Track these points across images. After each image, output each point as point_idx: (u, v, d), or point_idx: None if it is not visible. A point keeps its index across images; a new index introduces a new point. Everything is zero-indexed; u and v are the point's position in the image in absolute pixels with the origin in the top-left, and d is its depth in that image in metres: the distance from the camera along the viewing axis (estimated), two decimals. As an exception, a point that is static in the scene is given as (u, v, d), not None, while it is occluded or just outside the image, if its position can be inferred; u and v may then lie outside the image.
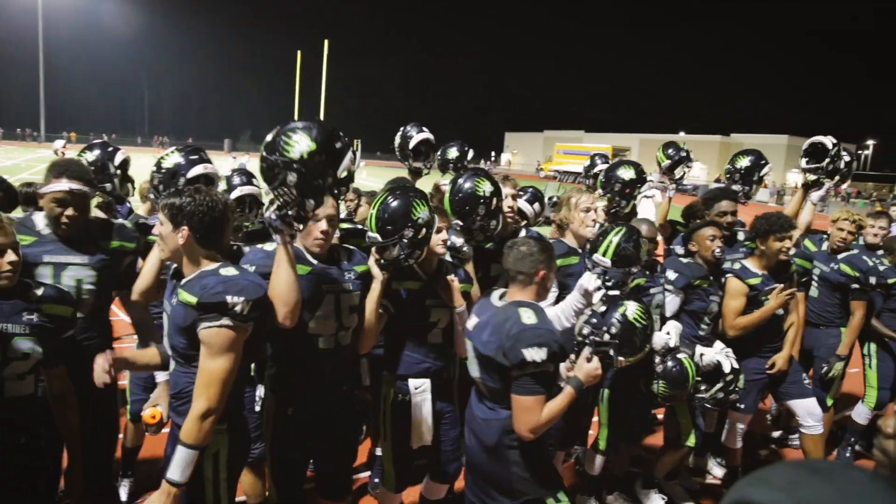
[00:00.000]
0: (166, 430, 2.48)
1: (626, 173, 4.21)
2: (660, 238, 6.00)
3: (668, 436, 3.96)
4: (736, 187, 4.76)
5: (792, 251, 4.05)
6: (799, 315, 4.28)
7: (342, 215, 3.67)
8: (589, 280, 2.88)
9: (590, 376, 2.53)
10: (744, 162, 4.88)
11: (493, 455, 2.54)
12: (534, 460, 2.51)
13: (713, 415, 4.40)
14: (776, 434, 5.20)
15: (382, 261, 2.72)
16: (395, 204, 2.69)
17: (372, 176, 30.76)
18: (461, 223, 3.28)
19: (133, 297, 2.91)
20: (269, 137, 2.23)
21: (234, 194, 3.44)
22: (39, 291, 2.36)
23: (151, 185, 3.08)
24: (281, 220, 2.28)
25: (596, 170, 5.33)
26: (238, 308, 2.09)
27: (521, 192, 4.31)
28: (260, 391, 3.05)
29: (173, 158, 3.00)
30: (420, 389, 2.97)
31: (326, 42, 44.58)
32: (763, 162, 4.88)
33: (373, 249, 2.74)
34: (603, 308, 2.83)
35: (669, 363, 3.32)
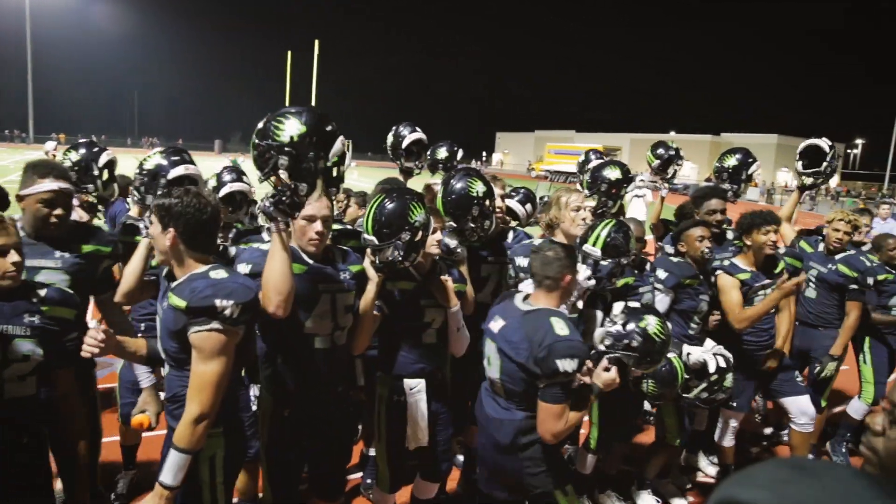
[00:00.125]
0: (161, 431, 2.47)
1: (612, 173, 4.22)
2: (651, 237, 6.03)
3: (658, 435, 3.98)
4: (725, 186, 4.78)
5: (781, 249, 4.09)
6: (791, 312, 4.30)
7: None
8: (580, 271, 2.90)
9: (608, 385, 2.66)
10: (731, 161, 4.90)
11: (506, 453, 2.66)
12: (545, 456, 2.63)
13: (704, 413, 4.42)
14: (767, 431, 5.23)
15: (378, 263, 2.70)
16: (391, 206, 2.67)
17: (363, 176, 30.71)
18: (455, 224, 3.28)
19: (116, 299, 2.89)
20: (260, 125, 2.25)
21: (224, 191, 3.43)
22: (42, 293, 2.34)
23: (133, 186, 3.06)
24: (275, 207, 2.26)
25: (590, 166, 5.33)
26: (227, 311, 2.08)
27: (513, 193, 4.32)
28: (254, 391, 3.04)
29: (155, 160, 2.98)
30: (415, 390, 2.96)
31: (317, 42, 44.49)
32: (751, 160, 4.90)
33: (368, 251, 2.73)
34: (624, 320, 2.88)
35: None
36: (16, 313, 2.24)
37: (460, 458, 4.19)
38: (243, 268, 2.54)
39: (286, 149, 2.17)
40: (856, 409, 4.81)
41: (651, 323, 2.84)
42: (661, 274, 3.73)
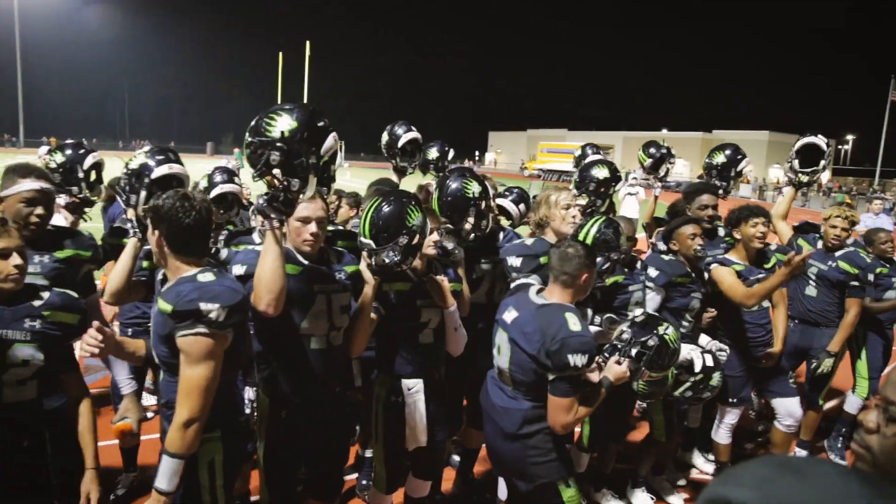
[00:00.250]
0: (154, 435, 2.46)
1: (601, 172, 4.23)
2: (642, 236, 6.04)
3: (649, 432, 4.00)
4: (714, 183, 4.79)
5: (772, 245, 4.10)
6: (786, 309, 4.31)
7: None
8: None
9: (619, 378, 2.75)
10: (720, 158, 4.91)
11: (512, 441, 2.73)
12: (550, 447, 2.70)
13: (699, 410, 4.44)
14: (761, 428, 5.25)
15: (375, 266, 2.70)
16: (388, 210, 2.66)
17: (356, 177, 30.67)
18: (451, 226, 3.28)
19: (105, 299, 2.88)
20: (252, 122, 2.25)
21: (215, 192, 3.42)
22: (44, 297, 2.31)
23: (119, 186, 3.03)
24: (269, 205, 2.27)
25: (588, 160, 5.33)
26: (213, 315, 2.07)
27: (506, 193, 4.32)
28: (248, 394, 3.04)
29: (139, 159, 2.94)
30: (413, 390, 2.96)
31: (308, 43, 44.41)
32: (740, 157, 4.91)
33: (364, 254, 2.72)
34: (643, 321, 2.96)
35: None
36: (16, 318, 2.22)
37: (456, 458, 4.20)
38: (238, 269, 2.54)
39: (277, 144, 2.18)
40: (853, 404, 4.84)
41: (669, 329, 2.93)
42: (652, 272, 3.74)
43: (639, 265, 3.89)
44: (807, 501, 0.65)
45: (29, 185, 2.76)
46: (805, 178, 4.75)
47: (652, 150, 5.28)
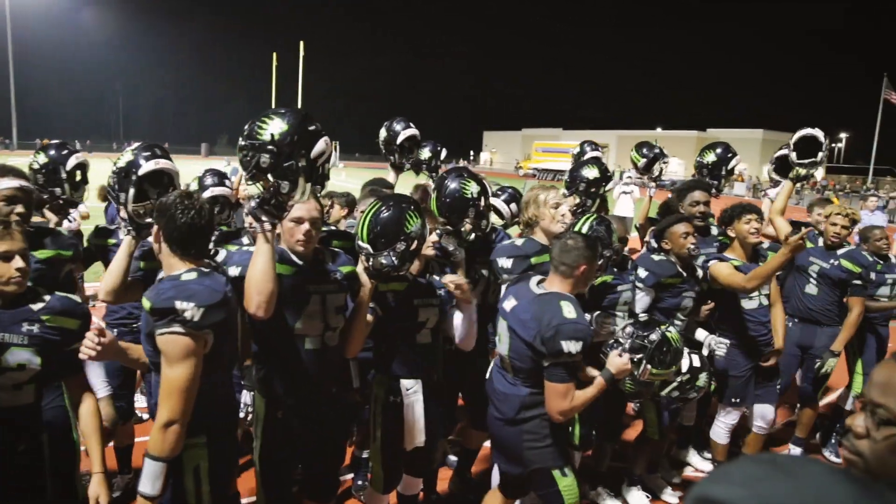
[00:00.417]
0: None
1: (591, 172, 4.23)
2: (635, 235, 6.03)
3: (642, 430, 4.01)
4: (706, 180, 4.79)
5: (765, 244, 4.10)
6: (782, 307, 4.31)
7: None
8: None
9: (620, 370, 2.78)
10: (711, 156, 4.92)
11: (510, 426, 2.81)
12: (546, 433, 2.77)
13: (693, 408, 4.45)
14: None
15: (371, 269, 2.69)
16: (387, 215, 2.66)
17: (351, 177, 30.64)
18: (451, 227, 3.27)
19: (101, 297, 2.86)
20: (246, 127, 2.28)
21: (206, 195, 3.40)
22: (43, 302, 2.28)
23: (108, 186, 3.01)
24: (259, 208, 2.28)
25: (586, 157, 5.32)
26: (188, 314, 2.06)
27: (499, 192, 4.31)
28: (245, 398, 3.03)
29: (126, 158, 2.91)
30: (412, 390, 2.96)
31: (302, 43, 44.33)
32: (731, 155, 4.91)
33: (361, 256, 2.72)
34: (645, 319, 3.02)
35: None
36: (14, 321, 2.20)
37: (452, 458, 4.19)
38: (234, 270, 2.53)
39: (268, 147, 2.20)
40: (850, 400, 4.86)
41: (671, 329, 2.98)
42: (642, 273, 3.73)
43: (630, 265, 3.89)
44: (795, 501, 0.65)
45: (7, 183, 2.76)
46: (803, 172, 4.72)
47: (644, 151, 5.28)
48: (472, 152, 74.52)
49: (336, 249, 2.86)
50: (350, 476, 4.00)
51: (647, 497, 3.98)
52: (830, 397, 5.56)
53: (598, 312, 3.17)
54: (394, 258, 2.62)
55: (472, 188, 3.29)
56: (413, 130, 4.84)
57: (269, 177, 2.23)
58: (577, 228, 3.27)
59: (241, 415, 3.01)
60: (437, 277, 3.15)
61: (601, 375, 2.75)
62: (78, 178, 3.60)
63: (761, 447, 4.34)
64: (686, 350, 3.37)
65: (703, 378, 3.32)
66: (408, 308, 2.94)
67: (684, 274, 3.78)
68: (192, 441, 2.19)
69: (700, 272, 3.94)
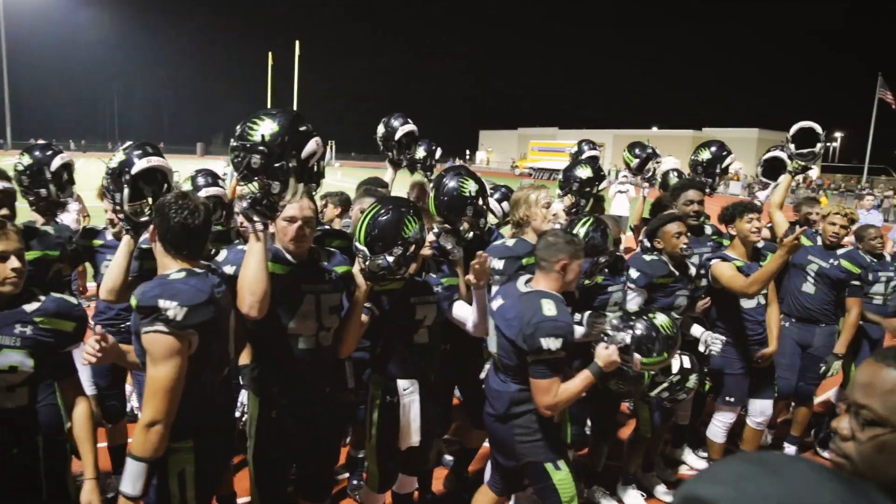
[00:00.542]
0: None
1: (584, 172, 4.23)
2: (630, 234, 6.04)
3: (635, 429, 4.03)
4: (700, 180, 4.80)
5: (760, 243, 4.11)
6: (777, 307, 4.32)
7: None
8: None
9: (607, 363, 2.74)
10: (706, 154, 4.93)
11: (502, 422, 2.85)
12: (536, 428, 2.80)
13: (688, 407, 4.46)
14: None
15: (367, 272, 2.69)
16: (385, 219, 2.65)
17: (347, 176, 30.60)
18: (449, 225, 3.27)
19: (103, 296, 2.86)
20: (238, 128, 2.29)
21: (199, 195, 3.39)
22: (38, 303, 2.25)
23: (104, 187, 3.01)
24: (251, 208, 2.29)
25: (584, 156, 5.32)
26: (171, 313, 2.05)
27: (492, 191, 4.31)
28: (243, 397, 3.03)
29: (118, 157, 2.89)
30: (409, 391, 2.96)
31: (297, 43, 44.22)
32: (725, 153, 4.91)
33: (358, 258, 2.71)
34: (634, 311, 2.99)
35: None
36: (6, 322, 2.17)
37: (448, 457, 4.20)
38: (229, 269, 2.53)
39: (259, 147, 2.22)
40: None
41: (660, 316, 2.94)
42: (634, 273, 3.73)
43: (622, 266, 3.89)
44: (780, 499, 0.65)
45: None
46: (802, 164, 4.71)
47: (637, 151, 5.29)
48: (468, 151, 74.45)
49: (331, 249, 2.86)
50: (346, 475, 3.99)
51: (643, 496, 3.99)
52: (824, 396, 5.58)
53: (589, 312, 3.17)
54: (390, 262, 2.62)
55: (471, 187, 3.29)
56: (411, 126, 4.81)
57: (258, 175, 2.25)
58: (573, 232, 3.27)
59: (238, 414, 3.01)
60: (433, 275, 3.15)
61: (588, 369, 2.74)
62: (64, 178, 3.57)
63: (759, 443, 4.35)
64: (676, 351, 3.38)
65: (693, 379, 3.32)
66: (405, 307, 2.94)
67: (677, 273, 3.78)
68: (178, 445, 2.18)
69: (693, 270, 3.94)
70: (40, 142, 3.75)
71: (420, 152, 5.16)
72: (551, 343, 2.60)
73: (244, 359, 2.79)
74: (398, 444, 2.99)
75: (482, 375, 3.05)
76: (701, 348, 3.78)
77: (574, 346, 2.84)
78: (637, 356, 2.84)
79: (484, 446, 3.78)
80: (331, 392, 2.83)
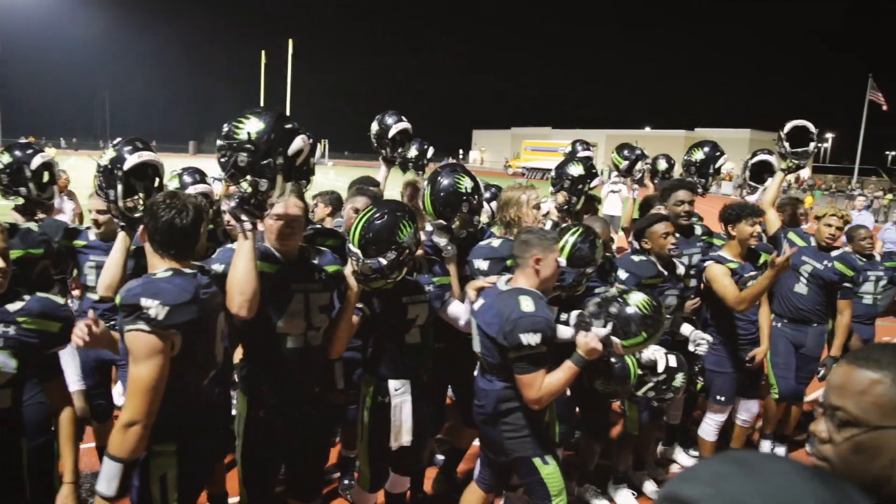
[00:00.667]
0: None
1: (575, 169, 4.24)
2: (621, 234, 6.06)
3: (623, 427, 4.05)
4: (692, 180, 4.81)
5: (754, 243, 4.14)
6: (768, 308, 4.35)
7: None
8: None
9: (587, 350, 2.73)
10: (699, 154, 4.94)
11: (490, 420, 2.89)
12: (523, 424, 2.83)
13: (679, 406, 4.47)
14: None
15: (360, 274, 2.67)
16: (380, 223, 2.65)
17: (340, 175, 30.55)
18: (444, 221, 3.26)
19: (101, 292, 2.84)
20: (224, 128, 2.30)
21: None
22: (22, 302, 2.19)
23: (96, 185, 2.99)
24: (239, 207, 2.28)
25: (578, 156, 5.32)
26: (152, 312, 2.03)
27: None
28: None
29: (109, 154, 2.88)
30: (400, 391, 2.95)
31: (290, 42, 44.10)
32: (718, 154, 4.94)
33: (351, 259, 2.70)
34: (612, 294, 2.97)
35: (612, 360, 3.26)
36: None
37: (440, 457, 4.19)
38: (217, 267, 2.52)
39: (246, 146, 2.22)
40: None
41: (635, 296, 2.88)
42: (622, 274, 3.73)
43: (611, 267, 3.89)
44: (759, 498, 0.65)
45: None
46: (794, 163, 4.72)
47: (626, 153, 5.31)
48: (461, 150, 74.45)
49: (322, 248, 2.85)
50: (337, 475, 3.99)
51: (634, 495, 4.00)
52: (814, 395, 5.61)
53: (577, 312, 3.16)
54: (384, 265, 2.62)
55: (466, 183, 3.29)
56: (405, 124, 4.79)
57: (245, 173, 2.25)
58: (561, 242, 3.22)
59: (234, 412, 3.00)
60: (424, 276, 3.15)
61: (570, 359, 2.73)
62: (45, 178, 3.53)
63: (744, 439, 4.40)
64: (662, 351, 3.38)
65: (679, 378, 3.32)
66: (396, 306, 2.94)
67: (665, 273, 3.79)
68: (160, 448, 2.16)
69: (682, 269, 3.95)
70: (20, 140, 3.70)
71: (412, 151, 5.15)
72: (531, 338, 2.62)
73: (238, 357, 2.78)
74: (390, 444, 2.98)
75: (476, 373, 3.05)
76: (690, 347, 3.80)
77: (568, 347, 2.83)
78: (616, 340, 2.80)
79: (474, 445, 3.78)
80: (320, 392, 2.82)
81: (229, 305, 2.33)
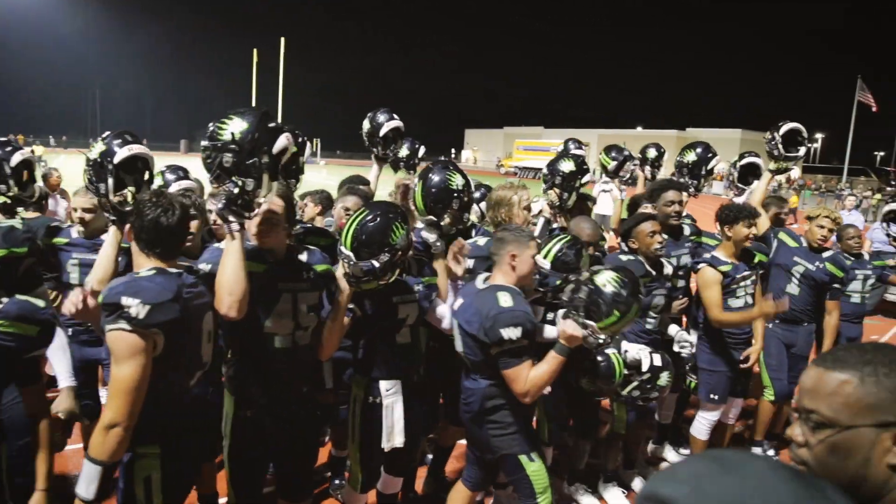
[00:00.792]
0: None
1: (566, 166, 4.24)
2: (611, 234, 6.08)
3: (611, 425, 4.06)
4: (685, 181, 4.83)
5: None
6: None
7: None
8: None
9: (565, 337, 2.74)
10: (691, 156, 4.95)
11: (476, 418, 2.90)
12: (509, 421, 2.85)
13: (670, 405, 4.49)
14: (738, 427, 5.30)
15: (351, 277, 2.65)
16: (373, 225, 2.63)
17: (332, 174, 30.47)
18: (434, 218, 3.26)
19: (94, 286, 2.81)
20: (208, 129, 2.30)
21: (172, 189, 3.37)
22: None
23: (87, 180, 2.95)
24: (226, 208, 2.27)
25: (571, 153, 5.32)
26: (133, 311, 2.00)
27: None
28: None
29: (98, 148, 2.82)
30: (391, 391, 2.95)
31: (283, 40, 43.99)
32: (710, 155, 4.95)
33: (343, 261, 2.68)
34: (583, 278, 2.96)
35: (598, 358, 3.26)
36: None
37: (430, 456, 4.19)
38: (204, 267, 2.50)
39: (230, 146, 2.22)
40: None
41: (603, 275, 2.87)
42: None
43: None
44: (737, 497, 0.65)
45: None
46: (784, 165, 4.73)
47: (614, 154, 5.32)
48: (453, 150, 74.42)
49: (312, 248, 2.83)
50: (328, 475, 3.97)
51: (623, 493, 4.01)
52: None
53: (563, 311, 3.14)
54: (376, 267, 2.60)
55: (458, 180, 3.29)
56: (397, 122, 4.77)
57: (230, 174, 2.25)
58: (547, 248, 3.25)
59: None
60: (412, 277, 3.14)
61: (553, 349, 2.74)
62: (24, 176, 3.49)
63: (730, 439, 4.45)
64: (647, 350, 3.39)
65: (664, 377, 3.32)
66: (387, 306, 2.93)
67: (653, 272, 3.80)
68: (143, 450, 2.14)
69: (670, 269, 3.97)
70: (0, 139, 3.65)
71: (403, 150, 5.14)
72: (511, 332, 2.64)
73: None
74: (382, 446, 2.97)
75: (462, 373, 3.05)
76: (675, 348, 3.81)
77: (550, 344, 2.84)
78: (591, 323, 2.80)
79: (460, 444, 3.77)
80: (308, 392, 2.81)
81: (218, 306, 2.31)
